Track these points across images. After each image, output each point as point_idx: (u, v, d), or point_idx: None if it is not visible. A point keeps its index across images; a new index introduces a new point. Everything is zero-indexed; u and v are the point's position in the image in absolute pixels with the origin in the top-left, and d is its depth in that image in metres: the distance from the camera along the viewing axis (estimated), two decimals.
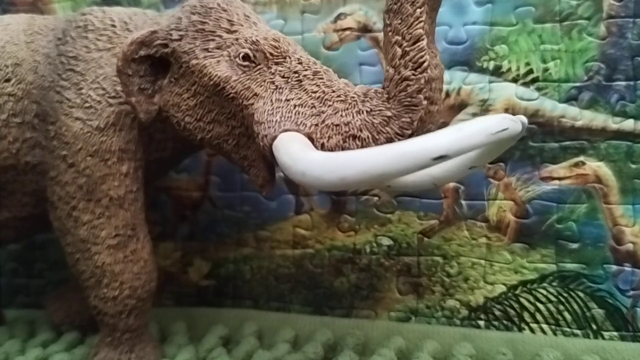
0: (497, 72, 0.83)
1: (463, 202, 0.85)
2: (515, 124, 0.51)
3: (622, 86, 0.79)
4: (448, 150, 0.49)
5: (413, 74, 0.55)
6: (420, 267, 0.86)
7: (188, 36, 0.67)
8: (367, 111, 0.58)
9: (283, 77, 0.62)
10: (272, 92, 0.62)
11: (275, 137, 0.58)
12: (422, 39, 0.55)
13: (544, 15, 0.81)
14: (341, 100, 0.59)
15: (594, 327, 0.80)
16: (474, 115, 0.83)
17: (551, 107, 0.81)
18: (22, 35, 0.76)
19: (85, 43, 0.73)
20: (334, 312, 0.89)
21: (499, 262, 0.83)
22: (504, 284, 0.83)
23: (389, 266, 0.87)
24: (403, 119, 0.56)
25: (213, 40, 0.66)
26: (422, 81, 0.55)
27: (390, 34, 0.56)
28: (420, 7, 0.55)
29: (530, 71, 0.82)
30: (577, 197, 0.81)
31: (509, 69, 0.83)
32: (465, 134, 0.49)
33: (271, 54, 0.64)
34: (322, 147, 0.58)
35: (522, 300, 0.82)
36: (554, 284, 0.81)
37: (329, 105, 0.59)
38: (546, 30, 0.81)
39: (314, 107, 0.59)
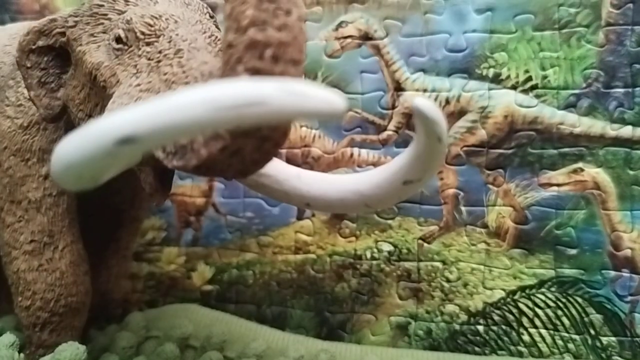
0: (497, 80, 0.84)
1: (463, 208, 0.85)
2: (285, 97, 0.33)
3: (620, 93, 0.80)
4: (136, 129, 0.33)
5: (234, 38, 0.40)
6: (420, 272, 0.87)
7: (82, 22, 0.60)
8: None
9: (148, 59, 0.53)
10: (130, 78, 0.53)
11: None
12: None
13: (543, 23, 0.82)
14: (185, 82, 0.48)
15: (592, 332, 0.81)
16: (474, 122, 0.84)
17: (550, 114, 0.82)
18: (5, 39, 0.74)
19: None
20: (334, 317, 0.90)
21: (498, 267, 0.84)
22: (503, 290, 0.84)
23: (390, 271, 0.88)
24: None
25: (102, 24, 0.58)
26: (242, 47, 0.40)
27: None
28: None
29: (530, 78, 0.83)
30: (576, 203, 0.81)
31: (509, 76, 0.83)
32: (168, 106, 0.32)
33: (143, 34, 0.54)
34: None
35: (520, 305, 0.83)
36: (553, 289, 0.82)
37: (174, 89, 0.49)
38: (545, 37, 0.82)
39: (159, 91, 0.49)
